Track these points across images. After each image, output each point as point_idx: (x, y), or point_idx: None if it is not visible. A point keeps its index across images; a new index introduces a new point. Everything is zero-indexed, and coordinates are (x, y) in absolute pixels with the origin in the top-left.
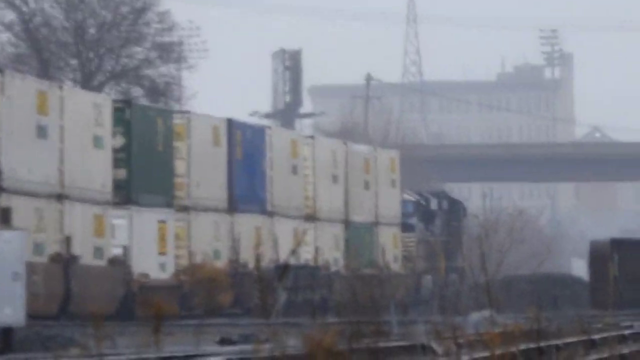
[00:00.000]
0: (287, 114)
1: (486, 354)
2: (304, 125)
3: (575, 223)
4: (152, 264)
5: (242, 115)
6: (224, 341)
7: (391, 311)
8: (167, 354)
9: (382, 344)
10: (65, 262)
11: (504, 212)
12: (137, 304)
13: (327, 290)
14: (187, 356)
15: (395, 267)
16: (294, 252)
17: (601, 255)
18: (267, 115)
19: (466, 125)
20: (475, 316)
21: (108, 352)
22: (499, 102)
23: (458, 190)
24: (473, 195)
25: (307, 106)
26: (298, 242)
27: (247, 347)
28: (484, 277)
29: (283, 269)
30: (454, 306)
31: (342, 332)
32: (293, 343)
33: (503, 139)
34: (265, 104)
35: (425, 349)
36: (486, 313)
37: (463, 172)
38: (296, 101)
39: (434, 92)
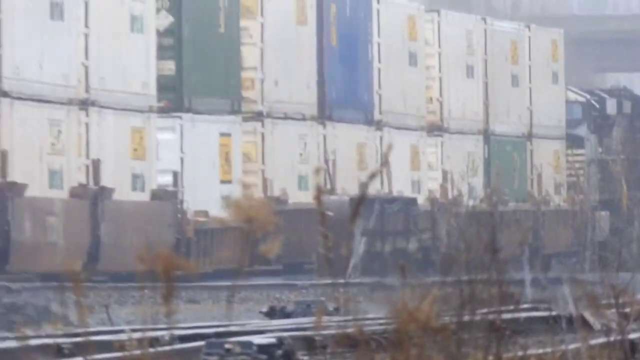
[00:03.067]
0: None
1: None
2: None
3: None
4: (213, 197)
5: None
6: (273, 311)
7: (524, 265)
8: (185, 332)
9: (507, 315)
10: (92, 196)
11: None
12: (193, 254)
13: (431, 236)
14: (216, 334)
15: (558, 199)
16: (373, 177)
17: None
18: None
19: None
20: None
21: (92, 329)
22: None
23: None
24: None
25: None
26: (384, 164)
27: (307, 320)
28: None
29: (357, 203)
30: (621, 260)
31: (449, 298)
32: (375, 313)
33: None
34: None
35: (574, 321)
36: None
37: (633, 57)
38: None
39: None
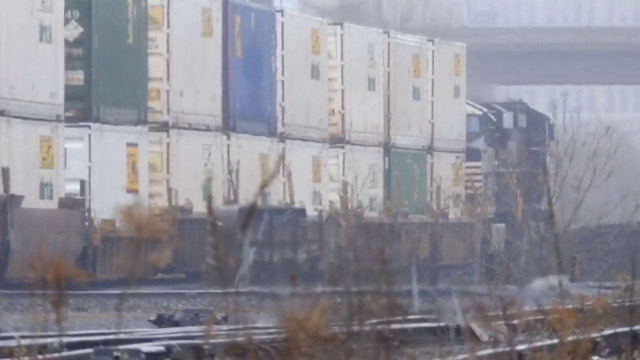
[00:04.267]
0: None
1: (552, 341)
2: (286, 0)
3: None
4: (120, 206)
5: None
6: (161, 320)
7: (412, 277)
8: (74, 339)
9: (396, 326)
10: (1, 204)
11: (584, 130)
12: (99, 262)
13: (319, 246)
14: (105, 342)
15: (456, 211)
16: (264, 187)
17: None
18: None
19: (529, 1)
20: (538, 285)
21: None
22: None
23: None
24: (538, 104)
25: None
26: (272, 174)
27: (196, 328)
28: (551, 227)
29: (247, 214)
30: (508, 271)
31: (338, 308)
32: (264, 323)
33: (583, 20)
34: None
35: (461, 332)
36: (554, 281)
37: (523, 70)
38: None
39: None
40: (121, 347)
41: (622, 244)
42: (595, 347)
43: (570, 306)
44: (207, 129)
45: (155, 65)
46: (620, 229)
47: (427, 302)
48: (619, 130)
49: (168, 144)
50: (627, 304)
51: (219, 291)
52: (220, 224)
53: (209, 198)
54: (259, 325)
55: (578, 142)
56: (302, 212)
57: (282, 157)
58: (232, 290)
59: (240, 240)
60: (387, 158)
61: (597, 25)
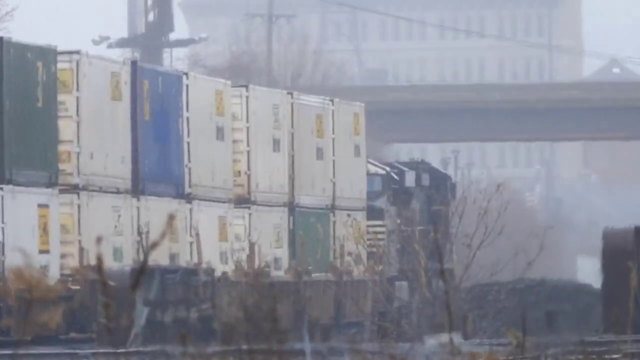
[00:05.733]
0: (151, 40)
1: None
2: (177, 58)
3: (582, 203)
4: (32, 267)
5: (82, 42)
6: None
7: (304, 336)
8: None
9: None
10: None
11: (475, 187)
12: (14, 323)
13: (211, 305)
14: None
15: (359, 269)
16: (155, 246)
17: (620, 251)
18: (122, 43)
19: (420, 58)
20: (429, 343)
21: None
22: (468, 23)
23: (407, 153)
24: (430, 161)
25: (180, 29)
26: (164, 233)
27: None
28: (441, 285)
29: (138, 274)
30: (399, 328)
31: None
32: None
33: (474, 78)
34: (118, 26)
35: None
36: (445, 338)
37: (414, 128)
38: (164, 22)
39: (372, 7)
40: None
41: (513, 302)
42: None
43: None
44: (117, 192)
45: (66, 128)
46: (512, 286)
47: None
48: (510, 186)
49: (79, 206)
50: None
51: (111, 351)
52: (112, 283)
53: (98, 259)
54: None
55: (469, 199)
56: (194, 271)
57: (172, 218)
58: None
59: (132, 299)
60: (291, 217)
61: (488, 83)
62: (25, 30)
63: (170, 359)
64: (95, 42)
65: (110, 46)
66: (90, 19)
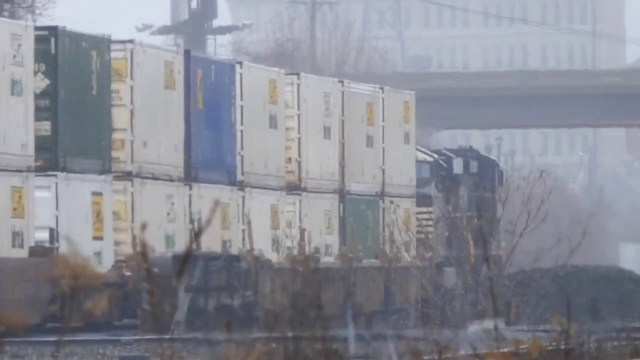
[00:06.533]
0: (194, 28)
1: None
2: (220, 45)
3: (625, 190)
4: (86, 253)
5: (126, 30)
6: None
7: (348, 322)
8: None
9: None
10: None
11: (518, 174)
12: (67, 310)
13: (254, 291)
14: None
15: (408, 256)
16: (200, 234)
17: None
18: (165, 30)
19: (463, 45)
20: (473, 329)
21: None
22: (511, 10)
23: (449, 141)
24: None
25: (223, 17)
26: (207, 222)
27: None
28: (485, 271)
29: (182, 261)
30: (444, 315)
31: (273, 354)
32: None
33: (517, 64)
34: (161, 14)
35: None
36: (489, 324)
37: (458, 115)
38: (207, 9)
39: None
40: None
41: (556, 288)
42: None
43: (505, 350)
44: (170, 179)
45: (119, 116)
46: (555, 273)
47: (363, 347)
48: (553, 174)
49: (132, 193)
50: (562, 347)
51: (155, 337)
52: (155, 270)
53: (142, 245)
54: None
55: (512, 186)
56: (236, 258)
57: (217, 204)
58: (168, 336)
59: (175, 286)
60: (342, 205)
61: (531, 69)
62: (68, 20)
63: (214, 346)
64: (139, 30)
65: (153, 33)
66: (132, 5)
